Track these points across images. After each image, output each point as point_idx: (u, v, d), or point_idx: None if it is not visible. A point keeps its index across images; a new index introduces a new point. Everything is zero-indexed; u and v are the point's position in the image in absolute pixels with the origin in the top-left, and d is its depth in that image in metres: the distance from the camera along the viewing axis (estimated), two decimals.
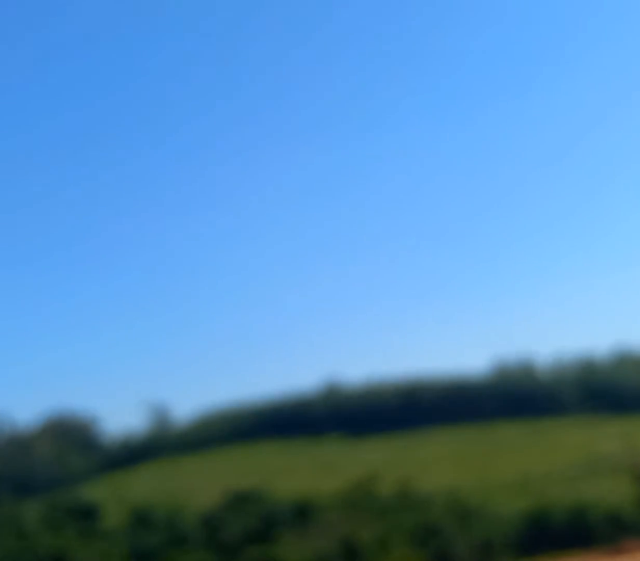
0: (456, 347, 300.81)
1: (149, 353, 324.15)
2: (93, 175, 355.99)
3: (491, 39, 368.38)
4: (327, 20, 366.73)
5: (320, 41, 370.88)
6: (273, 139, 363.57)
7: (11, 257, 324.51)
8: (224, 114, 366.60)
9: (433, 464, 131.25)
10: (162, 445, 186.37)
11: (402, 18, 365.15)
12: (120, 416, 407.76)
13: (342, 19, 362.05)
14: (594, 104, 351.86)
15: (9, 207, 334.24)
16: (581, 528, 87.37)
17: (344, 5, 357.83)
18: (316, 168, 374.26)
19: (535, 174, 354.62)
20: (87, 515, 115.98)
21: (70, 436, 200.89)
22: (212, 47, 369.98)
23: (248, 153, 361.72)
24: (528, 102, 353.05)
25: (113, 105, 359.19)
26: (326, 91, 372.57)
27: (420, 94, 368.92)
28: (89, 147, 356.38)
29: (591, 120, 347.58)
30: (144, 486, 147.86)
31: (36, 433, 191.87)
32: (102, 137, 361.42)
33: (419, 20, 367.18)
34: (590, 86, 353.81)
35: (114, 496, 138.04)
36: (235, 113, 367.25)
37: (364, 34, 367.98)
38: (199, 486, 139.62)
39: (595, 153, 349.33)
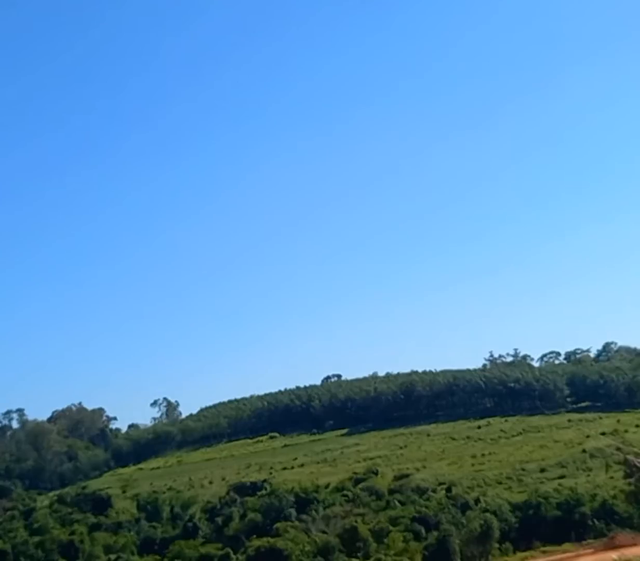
0: (452, 344, 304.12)
1: (157, 351, 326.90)
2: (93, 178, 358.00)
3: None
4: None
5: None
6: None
7: (17, 254, 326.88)
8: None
9: (430, 458, 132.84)
10: (169, 439, 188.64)
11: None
12: (129, 412, 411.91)
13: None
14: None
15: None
16: (574, 521, 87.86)
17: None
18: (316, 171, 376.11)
19: (533, 179, 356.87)
20: (97, 507, 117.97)
21: (80, 432, 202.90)
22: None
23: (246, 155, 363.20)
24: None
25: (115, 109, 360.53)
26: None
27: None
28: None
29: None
30: (152, 479, 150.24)
31: (47, 428, 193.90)
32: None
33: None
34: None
35: (123, 490, 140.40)
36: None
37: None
38: (204, 480, 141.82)
39: (592, 154, 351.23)
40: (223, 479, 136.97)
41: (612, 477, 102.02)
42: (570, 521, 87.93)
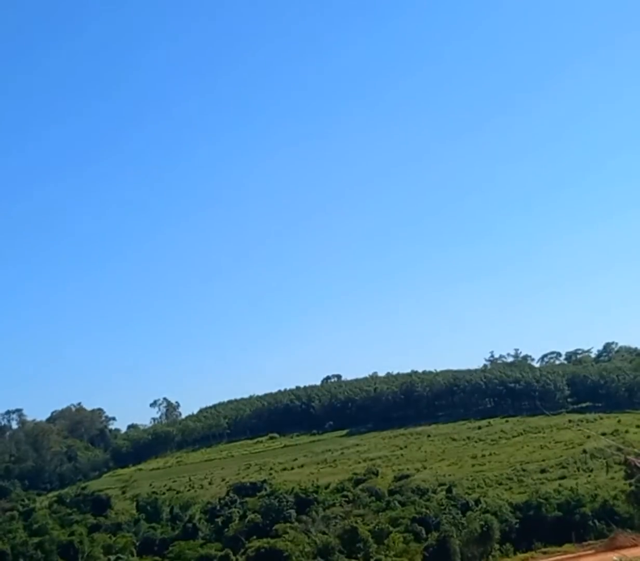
0: (452, 345, 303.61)
1: (157, 351, 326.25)
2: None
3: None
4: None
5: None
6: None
7: (19, 256, 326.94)
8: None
9: (430, 459, 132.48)
10: (169, 440, 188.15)
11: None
12: (128, 412, 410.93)
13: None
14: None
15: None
16: (574, 522, 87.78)
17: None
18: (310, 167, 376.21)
19: (532, 178, 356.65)
20: (96, 508, 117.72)
21: (80, 432, 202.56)
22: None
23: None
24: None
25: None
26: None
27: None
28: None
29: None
30: (151, 480, 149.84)
31: (47, 428, 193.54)
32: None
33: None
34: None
35: (123, 490, 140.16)
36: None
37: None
38: (204, 480, 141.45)
39: (593, 152, 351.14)
40: (223, 480, 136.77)
41: (612, 478, 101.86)
42: (571, 522, 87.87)
